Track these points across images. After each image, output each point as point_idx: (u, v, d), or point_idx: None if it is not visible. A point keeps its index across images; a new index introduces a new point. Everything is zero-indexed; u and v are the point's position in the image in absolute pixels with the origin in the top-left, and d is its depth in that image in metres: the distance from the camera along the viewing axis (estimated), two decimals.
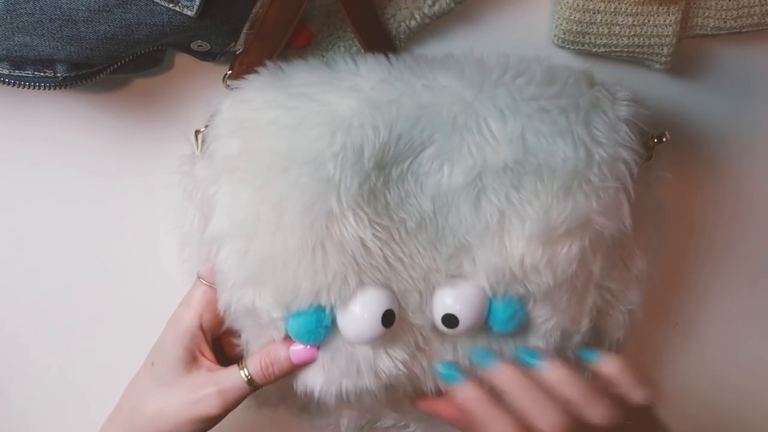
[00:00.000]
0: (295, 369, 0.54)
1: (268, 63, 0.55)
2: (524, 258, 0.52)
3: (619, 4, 0.58)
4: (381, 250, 0.51)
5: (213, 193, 0.52)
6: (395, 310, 0.52)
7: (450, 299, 0.53)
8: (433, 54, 0.57)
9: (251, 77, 0.54)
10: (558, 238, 0.52)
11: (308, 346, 0.53)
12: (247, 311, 0.53)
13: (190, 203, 0.58)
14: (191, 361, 0.55)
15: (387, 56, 0.54)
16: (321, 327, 0.52)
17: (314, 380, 0.54)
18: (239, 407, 0.61)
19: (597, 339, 0.60)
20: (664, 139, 0.57)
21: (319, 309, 0.51)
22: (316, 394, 0.54)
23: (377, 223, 0.51)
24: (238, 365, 0.54)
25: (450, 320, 0.53)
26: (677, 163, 0.65)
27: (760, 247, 0.70)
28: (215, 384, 0.54)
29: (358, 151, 0.49)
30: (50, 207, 0.63)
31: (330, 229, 0.50)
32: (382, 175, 0.51)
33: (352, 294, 0.51)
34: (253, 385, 0.54)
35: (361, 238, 0.50)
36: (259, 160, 0.50)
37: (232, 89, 0.55)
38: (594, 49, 0.60)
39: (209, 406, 0.53)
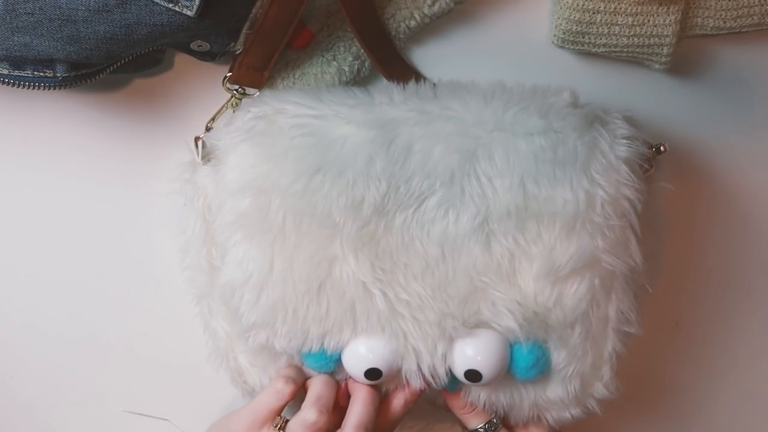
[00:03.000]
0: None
1: (266, 99, 0.55)
2: (536, 296, 0.53)
3: (619, 4, 0.58)
4: (384, 293, 0.52)
5: (224, 240, 0.54)
6: (383, 368, 0.54)
7: (471, 350, 0.53)
8: (428, 85, 0.57)
9: (250, 124, 0.54)
10: (566, 277, 0.53)
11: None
12: (262, 346, 0.55)
13: (192, 210, 0.58)
14: None
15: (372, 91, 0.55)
16: (331, 362, 0.55)
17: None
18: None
19: None
20: (662, 149, 0.57)
21: (325, 351, 0.54)
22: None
23: (380, 267, 0.52)
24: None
25: (473, 375, 0.54)
26: (677, 163, 0.65)
27: (760, 247, 0.70)
28: None
29: (359, 200, 0.51)
30: (49, 209, 0.63)
31: (332, 272, 0.52)
32: (383, 221, 0.52)
33: (348, 342, 0.54)
34: None
35: (362, 282, 0.52)
36: (271, 218, 0.52)
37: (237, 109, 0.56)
38: (594, 49, 0.60)
39: None
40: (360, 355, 0.54)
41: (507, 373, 0.55)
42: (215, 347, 0.59)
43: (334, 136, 0.52)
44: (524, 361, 0.54)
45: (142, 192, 0.63)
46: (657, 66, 0.61)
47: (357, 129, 0.52)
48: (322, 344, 0.54)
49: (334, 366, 0.55)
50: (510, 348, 0.54)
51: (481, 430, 0.57)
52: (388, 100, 0.54)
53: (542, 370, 0.55)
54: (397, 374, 0.55)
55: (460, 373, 0.54)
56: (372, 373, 0.54)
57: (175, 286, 0.61)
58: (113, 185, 0.63)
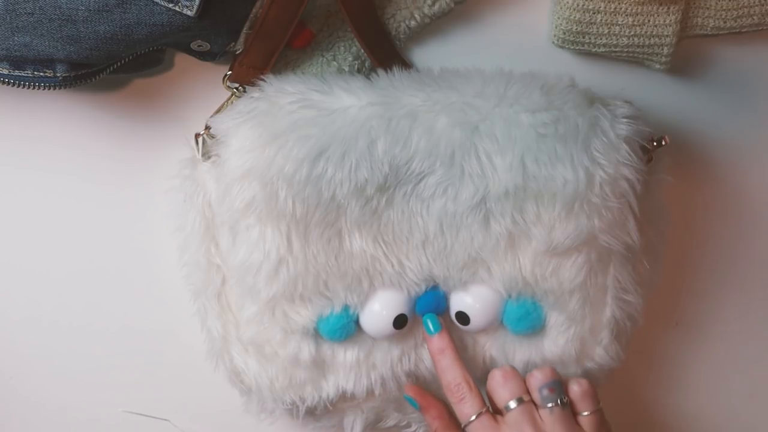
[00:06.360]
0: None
1: (265, 87, 0.55)
2: (534, 268, 0.55)
3: (619, 4, 0.58)
4: (388, 257, 0.55)
5: (234, 223, 0.55)
6: (407, 313, 0.56)
7: (469, 299, 0.57)
8: (429, 69, 0.58)
9: (252, 105, 0.54)
10: (564, 252, 0.54)
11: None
12: (276, 321, 0.56)
13: (191, 206, 0.58)
14: None
15: (377, 74, 0.56)
16: (351, 322, 0.56)
17: (347, 379, 0.58)
18: (239, 412, 0.61)
19: None
20: (663, 143, 0.57)
21: (347, 308, 0.56)
22: (350, 389, 0.58)
23: (382, 240, 0.55)
24: None
25: (462, 318, 0.57)
26: (677, 163, 0.65)
27: (760, 247, 0.70)
28: None
29: (362, 183, 0.53)
30: (49, 209, 0.63)
31: (343, 246, 0.55)
32: (385, 196, 0.54)
33: (368, 296, 0.56)
34: None
35: (368, 251, 0.55)
36: (281, 205, 0.53)
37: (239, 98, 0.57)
38: (594, 49, 0.60)
39: None
40: (378, 312, 0.56)
41: (501, 326, 0.58)
42: (211, 346, 0.59)
43: (334, 107, 0.53)
44: (514, 313, 0.57)
45: (142, 192, 0.63)
46: (657, 66, 0.61)
47: (357, 99, 0.53)
48: (344, 302, 0.55)
49: (354, 329, 0.56)
50: (504, 302, 0.57)
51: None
52: (389, 79, 0.55)
53: (533, 324, 0.57)
54: (417, 322, 0.57)
55: (452, 316, 0.57)
56: (400, 320, 0.56)
57: (175, 284, 0.61)
58: (113, 185, 0.63)
